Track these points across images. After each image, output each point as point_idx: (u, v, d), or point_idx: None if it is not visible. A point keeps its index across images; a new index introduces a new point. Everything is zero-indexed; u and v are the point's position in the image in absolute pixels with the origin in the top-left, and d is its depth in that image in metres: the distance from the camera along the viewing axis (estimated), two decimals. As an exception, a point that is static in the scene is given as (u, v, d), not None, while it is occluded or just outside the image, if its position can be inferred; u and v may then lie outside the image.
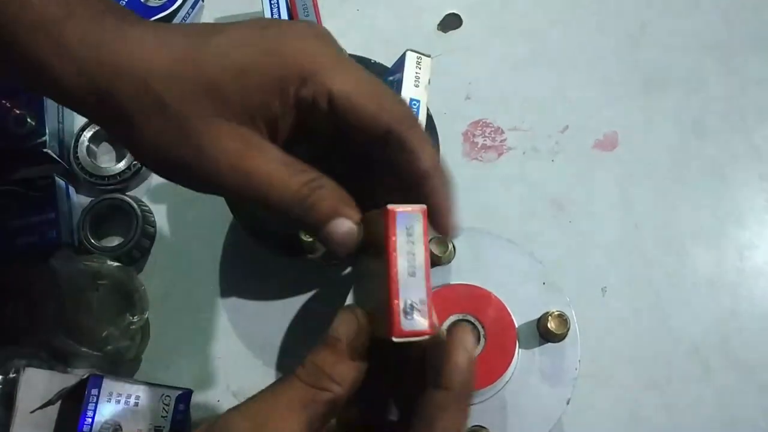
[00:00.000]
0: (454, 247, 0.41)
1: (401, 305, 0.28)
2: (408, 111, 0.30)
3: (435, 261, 0.40)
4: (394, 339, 0.27)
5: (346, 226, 0.29)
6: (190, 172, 0.29)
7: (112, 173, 0.53)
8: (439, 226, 0.30)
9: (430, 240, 0.36)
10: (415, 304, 0.28)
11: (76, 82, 0.29)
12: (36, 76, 0.30)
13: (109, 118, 0.30)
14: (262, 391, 0.29)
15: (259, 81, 0.28)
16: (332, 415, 0.29)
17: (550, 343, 0.42)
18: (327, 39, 0.30)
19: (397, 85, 0.44)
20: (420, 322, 0.28)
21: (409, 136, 0.29)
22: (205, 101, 0.28)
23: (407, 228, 0.28)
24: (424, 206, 0.29)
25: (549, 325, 0.40)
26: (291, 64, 0.28)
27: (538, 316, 0.42)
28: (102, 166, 0.54)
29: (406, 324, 0.27)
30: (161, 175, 0.31)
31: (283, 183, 0.28)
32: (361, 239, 0.30)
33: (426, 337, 0.28)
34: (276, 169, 0.29)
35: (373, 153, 0.30)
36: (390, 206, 0.28)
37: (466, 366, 0.27)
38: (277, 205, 0.29)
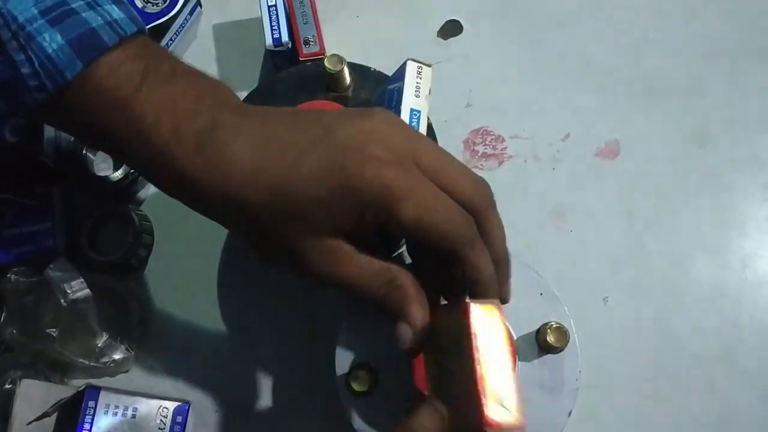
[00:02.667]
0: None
1: (488, 401, 0.29)
2: (470, 230, 0.34)
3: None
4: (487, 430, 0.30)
5: (405, 329, 0.35)
6: (292, 272, 0.36)
7: (110, 182, 0.53)
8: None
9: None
10: (501, 400, 0.30)
11: (182, 195, 0.36)
12: (149, 179, 0.37)
13: (208, 216, 0.37)
14: None
15: (341, 209, 0.33)
16: None
17: (550, 355, 0.41)
18: (404, 160, 0.34)
19: (398, 95, 0.44)
20: (506, 415, 0.30)
21: (470, 254, 0.34)
22: (296, 225, 0.34)
23: (483, 324, 0.30)
24: (497, 301, 0.32)
25: (548, 338, 0.40)
26: (369, 200, 0.33)
27: (537, 327, 0.41)
28: (99, 174, 0.53)
29: (494, 415, 0.29)
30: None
31: (364, 284, 0.35)
32: (428, 333, 0.33)
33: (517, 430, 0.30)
34: (359, 275, 0.35)
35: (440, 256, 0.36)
36: (466, 302, 0.31)
37: None
38: (363, 298, 0.35)
